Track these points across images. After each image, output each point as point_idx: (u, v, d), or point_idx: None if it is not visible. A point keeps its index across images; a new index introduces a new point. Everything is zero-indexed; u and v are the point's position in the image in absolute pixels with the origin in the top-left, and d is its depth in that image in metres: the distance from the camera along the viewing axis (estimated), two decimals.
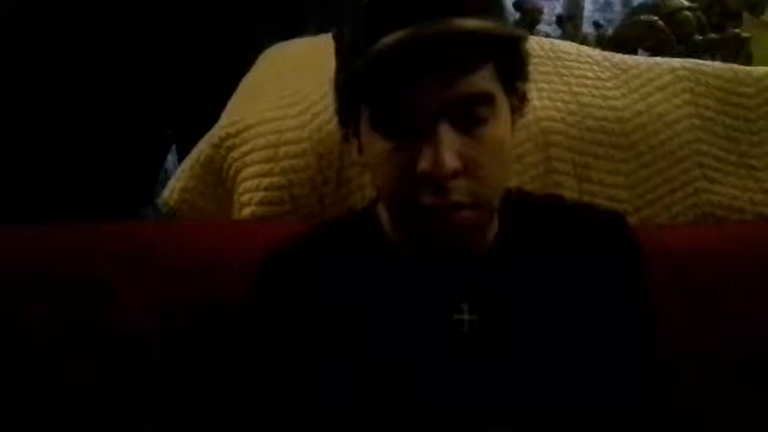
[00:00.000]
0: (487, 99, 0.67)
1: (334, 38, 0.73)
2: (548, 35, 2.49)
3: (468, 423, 0.71)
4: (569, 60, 1.27)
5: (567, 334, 0.74)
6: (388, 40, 0.61)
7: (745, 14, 2.22)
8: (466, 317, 0.73)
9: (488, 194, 0.69)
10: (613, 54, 1.34)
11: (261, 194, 1.09)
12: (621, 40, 2.21)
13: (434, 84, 0.64)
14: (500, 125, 0.69)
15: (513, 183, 1.12)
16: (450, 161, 0.64)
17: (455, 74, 0.64)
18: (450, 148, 0.65)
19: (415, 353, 0.73)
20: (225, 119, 1.19)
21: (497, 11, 0.69)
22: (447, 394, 0.72)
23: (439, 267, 0.75)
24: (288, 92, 1.17)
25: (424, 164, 0.65)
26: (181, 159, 1.42)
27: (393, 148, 0.67)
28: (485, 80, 0.66)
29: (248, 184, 1.11)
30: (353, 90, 0.70)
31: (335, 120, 0.78)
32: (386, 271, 0.76)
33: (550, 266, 0.76)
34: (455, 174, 0.65)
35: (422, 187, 0.66)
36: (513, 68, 0.70)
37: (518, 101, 0.74)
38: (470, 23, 0.63)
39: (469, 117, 0.66)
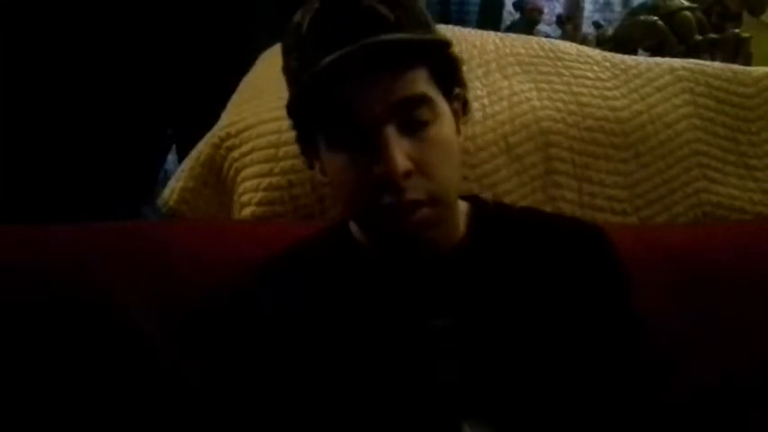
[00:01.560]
0: (425, 101, 0.73)
1: (284, 70, 0.79)
2: (548, 35, 2.49)
3: (446, 423, 0.73)
4: (569, 60, 1.27)
5: (538, 334, 0.76)
6: (328, 58, 0.68)
7: (745, 15, 2.22)
8: (436, 320, 0.76)
9: (442, 191, 0.74)
10: (613, 54, 1.34)
11: (261, 194, 1.10)
12: (621, 40, 2.21)
13: (375, 93, 0.71)
14: (443, 127, 0.75)
15: (512, 183, 1.13)
16: (402, 162, 0.71)
17: (392, 81, 0.71)
18: (399, 149, 0.71)
19: (389, 355, 0.76)
20: (225, 119, 1.19)
21: (424, 24, 0.76)
22: (423, 395, 0.74)
23: (410, 271, 0.79)
24: (288, 92, 1.17)
25: (378, 168, 0.71)
26: (181, 159, 1.42)
27: (349, 160, 0.74)
28: (420, 84, 0.73)
29: (248, 184, 1.11)
30: (306, 116, 0.77)
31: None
32: (361, 278, 0.81)
33: (522, 269, 0.80)
34: (408, 174, 0.71)
35: (380, 190, 0.72)
36: (446, 73, 0.77)
37: (459, 105, 0.80)
38: (398, 36, 0.71)
39: (412, 120, 0.73)
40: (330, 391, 0.76)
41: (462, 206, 0.83)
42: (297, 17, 0.76)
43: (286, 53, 0.78)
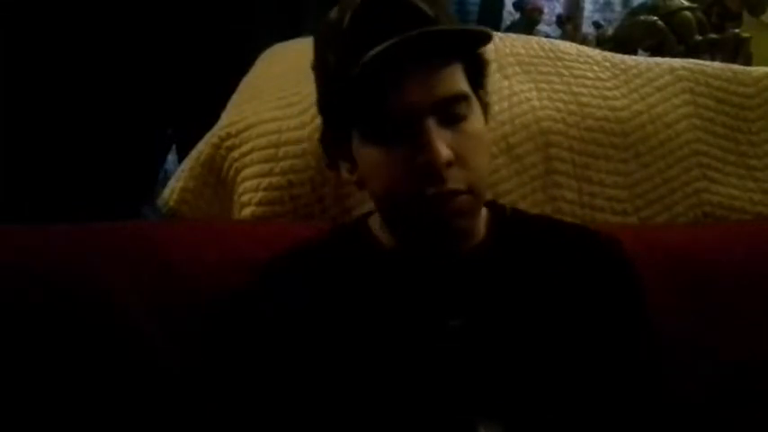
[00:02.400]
0: (464, 98, 0.76)
1: (314, 67, 0.80)
2: (548, 35, 2.49)
3: (460, 422, 0.73)
4: (569, 60, 1.27)
5: (553, 338, 0.77)
6: (373, 51, 0.69)
7: (745, 15, 2.22)
8: (453, 320, 0.77)
9: (478, 181, 0.77)
10: (613, 54, 1.34)
11: (261, 194, 1.09)
12: (621, 40, 2.21)
13: (417, 86, 0.73)
14: (477, 121, 0.78)
15: (512, 183, 1.13)
16: (445, 151, 0.72)
17: (433, 76, 0.73)
18: (441, 140, 0.73)
19: (406, 355, 0.76)
20: (225, 119, 1.19)
21: (456, 23, 0.80)
22: (436, 395, 0.74)
23: (429, 270, 0.79)
24: (288, 92, 1.17)
25: (422, 157, 0.72)
26: (181, 159, 1.42)
27: (387, 153, 0.75)
28: (459, 81, 0.76)
29: (248, 184, 1.11)
30: (340, 112, 0.77)
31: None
32: (379, 276, 0.81)
33: (539, 274, 0.81)
34: (449, 163, 0.73)
35: (422, 180, 0.73)
36: (477, 72, 0.80)
37: (482, 109, 0.81)
38: (444, 27, 0.73)
39: (451, 114, 0.75)
40: (340, 390, 0.76)
41: (482, 210, 0.84)
42: (334, 13, 0.76)
43: (321, 49, 0.79)
